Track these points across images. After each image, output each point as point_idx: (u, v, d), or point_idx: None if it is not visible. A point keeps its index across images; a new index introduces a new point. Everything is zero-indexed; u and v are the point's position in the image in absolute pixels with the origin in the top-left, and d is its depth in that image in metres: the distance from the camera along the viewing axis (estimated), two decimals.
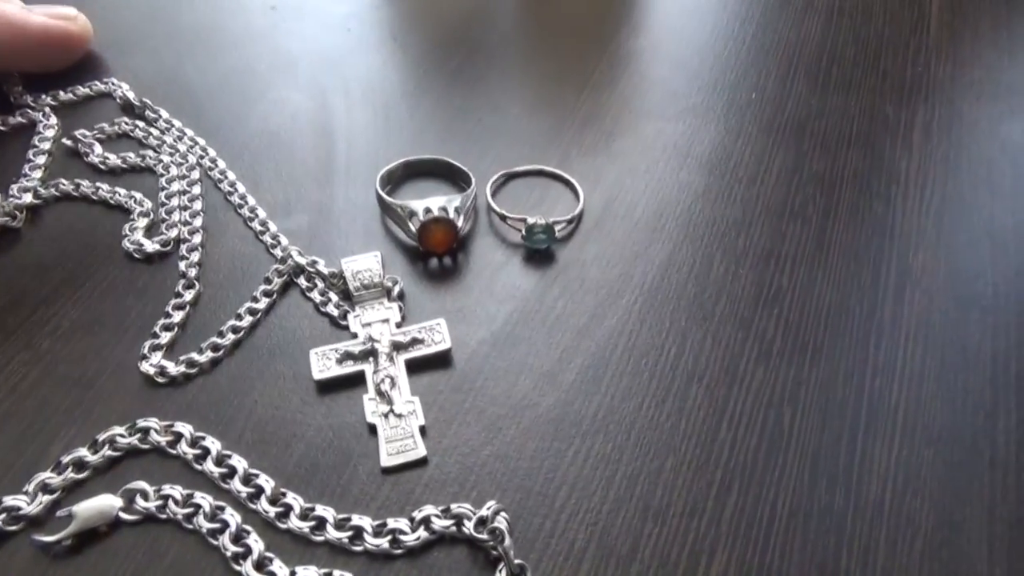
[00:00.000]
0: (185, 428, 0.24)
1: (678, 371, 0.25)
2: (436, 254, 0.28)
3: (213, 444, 0.23)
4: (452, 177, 0.31)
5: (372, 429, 0.24)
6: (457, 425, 0.24)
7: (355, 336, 0.26)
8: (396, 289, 0.27)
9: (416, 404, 0.24)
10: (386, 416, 0.24)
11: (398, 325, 0.26)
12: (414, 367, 0.25)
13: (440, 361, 0.26)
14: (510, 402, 0.25)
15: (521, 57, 0.38)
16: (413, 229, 0.28)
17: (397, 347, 0.25)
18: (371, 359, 0.25)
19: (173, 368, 0.25)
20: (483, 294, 0.28)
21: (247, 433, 0.24)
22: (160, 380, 0.25)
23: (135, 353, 0.25)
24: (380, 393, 0.24)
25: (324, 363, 0.25)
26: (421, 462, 0.23)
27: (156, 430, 0.24)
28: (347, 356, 0.25)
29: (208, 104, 0.35)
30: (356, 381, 0.25)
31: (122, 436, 0.23)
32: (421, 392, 0.25)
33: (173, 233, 0.29)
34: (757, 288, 0.28)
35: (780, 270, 0.28)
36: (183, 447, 0.23)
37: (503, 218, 0.29)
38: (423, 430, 0.24)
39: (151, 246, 0.28)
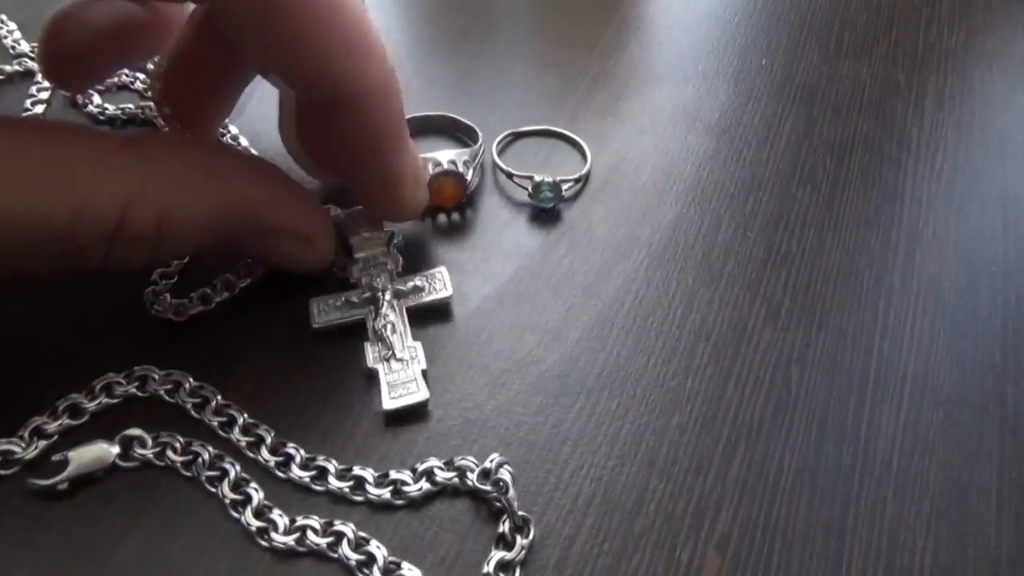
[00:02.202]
0: (185, 377, 0.23)
1: (685, 330, 0.25)
2: (444, 209, 0.28)
3: (213, 394, 0.23)
4: (458, 134, 0.31)
5: (373, 377, 0.23)
6: (460, 379, 0.24)
7: (355, 286, 0.25)
8: (397, 239, 0.26)
9: (418, 349, 0.24)
10: (387, 361, 0.24)
11: (398, 274, 0.26)
12: (416, 317, 0.25)
13: (442, 311, 0.25)
14: (514, 357, 0.24)
15: (529, 18, 0.37)
16: None
17: (398, 294, 0.25)
18: (371, 307, 0.25)
19: (172, 314, 0.24)
20: (488, 251, 0.27)
21: (246, 384, 0.23)
22: (159, 323, 0.24)
23: (134, 300, 0.25)
24: (381, 339, 0.24)
25: (323, 311, 0.25)
26: (423, 405, 0.23)
27: (154, 378, 0.23)
28: (347, 304, 0.25)
29: None
30: (356, 330, 0.24)
31: (119, 384, 0.23)
32: (424, 345, 0.24)
33: None
34: (766, 251, 0.27)
35: (789, 233, 0.28)
36: (182, 396, 0.23)
37: (509, 176, 0.29)
38: (425, 374, 0.23)
39: None
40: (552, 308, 0.26)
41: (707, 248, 0.27)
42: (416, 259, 0.27)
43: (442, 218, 0.28)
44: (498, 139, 0.30)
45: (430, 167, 0.27)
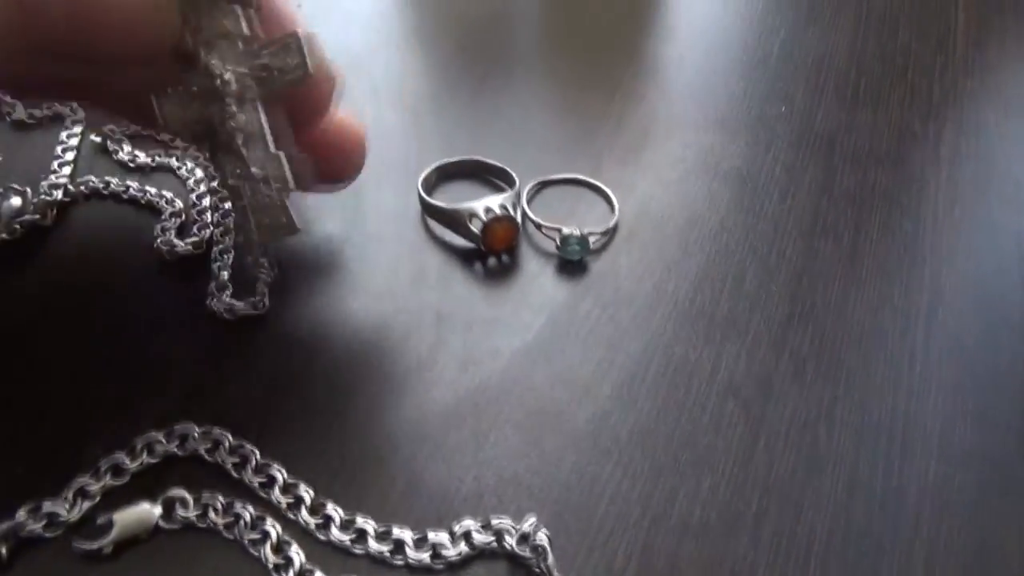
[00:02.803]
0: (224, 435, 0.23)
1: (714, 387, 0.25)
2: (496, 252, 0.29)
3: (252, 452, 0.23)
4: (490, 177, 0.31)
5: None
6: (494, 436, 0.24)
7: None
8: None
9: (281, 159, 0.20)
10: (245, 178, 0.19)
11: (245, 43, 0.20)
12: None
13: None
14: (546, 414, 0.25)
15: (549, 62, 0.37)
16: (476, 230, 0.28)
17: (243, 81, 0.20)
18: (218, 102, 0.20)
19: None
20: (518, 304, 0.28)
21: (283, 438, 0.24)
22: (196, 373, 0.25)
23: (168, 355, 0.25)
24: (230, 149, 0.20)
25: (171, 109, 0.20)
26: (291, 234, 0.20)
27: (194, 436, 0.23)
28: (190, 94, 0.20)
29: None
30: (384, 374, 0.25)
31: (160, 442, 0.23)
32: (453, 402, 0.25)
33: (205, 234, 0.28)
34: (790, 305, 0.28)
35: (813, 287, 0.28)
36: (222, 454, 0.23)
37: (538, 227, 0.29)
38: (287, 196, 0.20)
39: (183, 247, 0.28)
40: (582, 363, 0.26)
41: (733, 302, 0.28)
42: (450, 312, 0.27)
43: (492, 261, 0.29)
44: (527, 188, 0.31)
45: (482, 214, 0.28)
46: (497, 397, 0.25)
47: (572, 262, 0.29)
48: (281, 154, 0.20)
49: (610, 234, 0.30)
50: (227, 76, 0.19)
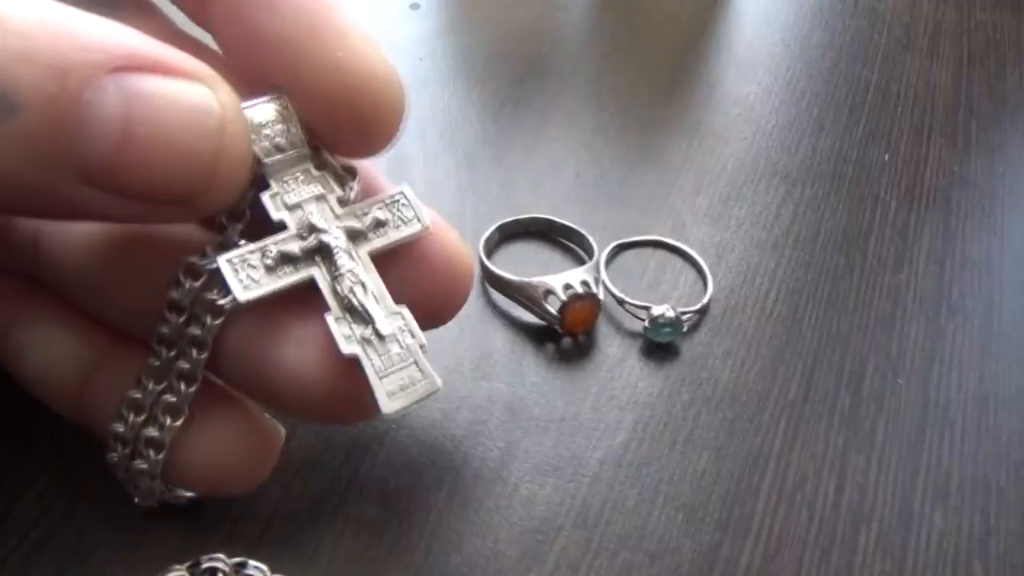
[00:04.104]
0: (259, 570, 0.19)
1: (841, 510, 0.21)
2: (573, 333, 0.25)
3: None
4: (561, 239, 0.27)
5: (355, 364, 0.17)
6: (584, 572, 0.20)
7: (282, 227, 0.17)
8: (333, 159, 0.18)
9: (405, 314, 0.17)
10: (368, 341, 0.17)
11: (341, 203, 0.18)
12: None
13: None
14: (645, 545, 0.21)
15: (616, 97, 0.33)
16: (553, 310, 0.24)
17: (354, 235, 0.17)
18: (319, 260, 0.17)
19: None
20: (601, 398, 0.23)
21: (333, 569, 0.20)
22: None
23: None
24: (350, 308, 0.17)
25: (248, 276, 0.17)
26: (433, 394, 0.17)
27: (224, 571, 0.19)
28: (280, 259, 0.17)
29: None
30: (463, 490, 0.21)
31: None
32: (532, 527, 0.21)
33: None
34: (922, 401, 0.24)
35: (946, 378, 0.24)
36: None
37: (621, 303, 0.25)
38: (424, 350, 0.17)
39: None
40: (681, 475, 0.22)
41: (854, 399, 0.24)
42: (518, 409, 0.23)
43: (566, 341, 0.25)
44: (605, 253, 0.26)
45: (561, 291, 0.23)
46: (584, 521, 0.21)
47: (660, 345, 0.25)
48: (403, 307, 0.17)
49: (703, 311, 0.26)
50: (340, 240, 0.17)
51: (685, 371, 0.24)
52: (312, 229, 0.17)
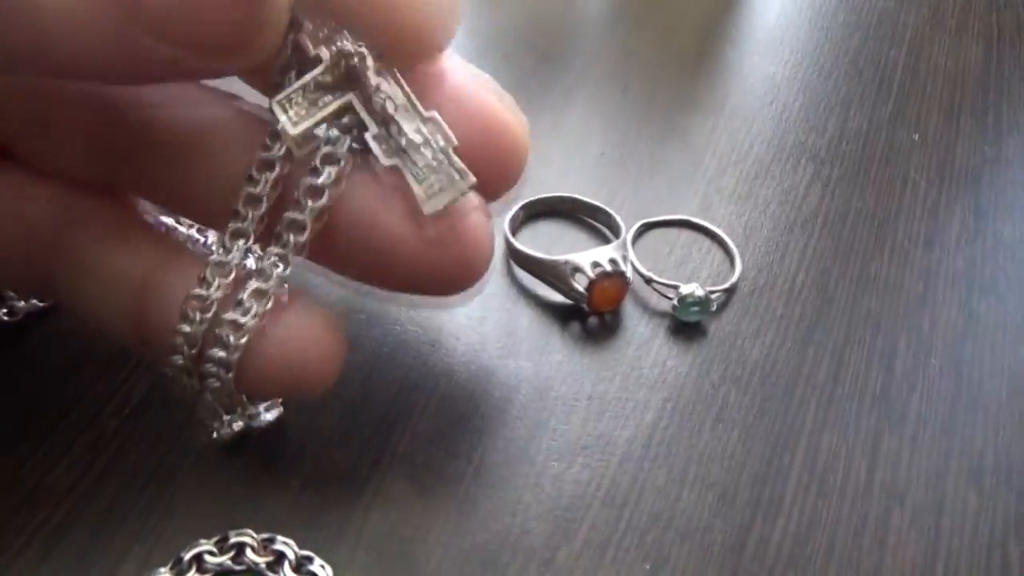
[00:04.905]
0: (287, 545, 0.19)
1: (873, 490, 0.21)
2: (600, 312, 0.24)
3: (323, 569, 0.19)
4: (586, 218, 0.27)
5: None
6: (613, 551, 0.20)
7: (319, 61, 0.18)
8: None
9: (436, 118, 0.18)
10: (403, 150, 0.18)
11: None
12: None
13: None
14: (676, 524, 0.20)
15: (643, 76, 0.33)
16: (580, 288, 0.24)
17: (379, 56, 0.18)
18: (353, 86, 0.18)
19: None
20: (629, 377, 0.23)
21: (359, 552, 0.20)
22: (250, 467, 0.21)
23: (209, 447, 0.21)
24: (385, 122, 0.18)
25: (295, 112, 0.18)
26: (469, 191, 0.18)
27: (252, 547, 0.19)
28: (322, 89, 0.18)
29: None
30: (498, 481, 0.20)
31: (211, 554, 0.19)
32: (561, 505, 0.20)
33: None
34: (955, 381, 0.23)
35: (979, 358, 0.24)
36: (286, 571, 0.19)
37: (648, 281, 0.25)
38: (458, 153, 0.18)
39: None
40: (712, 455, 0.22)
41: (886, 379, 0.23)
42: (544, 387, 0.23)
43: (593, 320, 0.24)
44: (631, 231, 0.26)
45: (589, 269, 0.23)
46: (613, 499, 0.21)
47: (688, 324, 0.24)
48: (435, 113, 0.18)
49: (731, 290, 0.25)
50: (369, 61, 0.18)
51: (714, 350, 0.24)
52: (342, 55, 0.18)
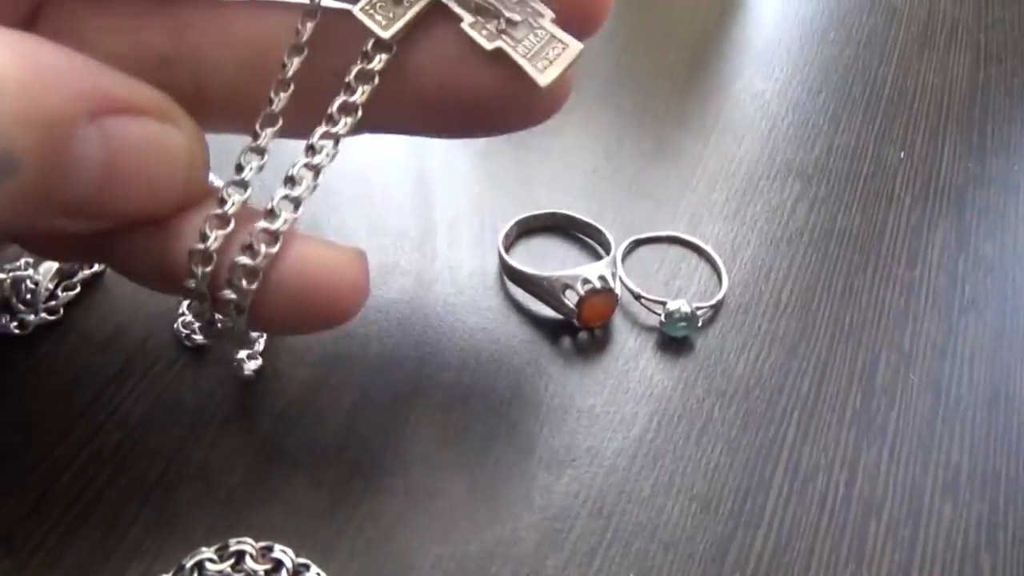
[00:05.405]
0: (285, 553, 0.20)
1: (852, 503, 0.22)
2: (590, 327, 0.25)
3: None
4: (578, 234, 0.28)
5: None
6: (600, 560, 0.21)
7: None
8: None
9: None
10: (504, 31, 0.18)
11: None
12: None
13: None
14: (660, 535, 0.21)
15: (635, 95, 0.34)
16: (570, 303, 0.24)
17: None
18: None
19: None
20: (617, 390, 0.24)
21: (355, 562, 0.20)
22: (248, 480, 0.21)
23: (209, 456, 0.22)
24: (479, 9, 0.18)
25: (382, 15, 0.18)
26: (579, 57, 0.19)
27: (252, 555, 0.20)
28: None
29: None
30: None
31: (212, 561, 0.20)
32: (550, 515, 0.21)
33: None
34: (934, 396, 0.24)
35: (957, 375, 0.25)
36: None
37: (637, 297, 0.25)
38: (555, 21, 0.18)
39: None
40: (695, 467, 0.22)
41: (866, 394, 0.24)
42: (544, 396, 0.24)
43: (583, 335, 0.25)
44: (621, 248, 0.27)
45: (579, 286, 0.24)
46: (600, 510, 0.21)
47: (675, 339, 0.25)
48: None
49: (718, 306, 0.26)
50: None
51: (700, 365, 0.25)
52: None
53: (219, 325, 0.19)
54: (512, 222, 0.27)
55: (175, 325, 0.24)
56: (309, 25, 0.18)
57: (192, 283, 0.18)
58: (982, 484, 0.22)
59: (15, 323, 0.24)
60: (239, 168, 0.18)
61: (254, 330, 0.20)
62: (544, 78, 0.18)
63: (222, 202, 0.18)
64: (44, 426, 0.22)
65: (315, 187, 0.18)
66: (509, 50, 0.18)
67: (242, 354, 0.23)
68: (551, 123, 0.32)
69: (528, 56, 0.18)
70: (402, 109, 0.19)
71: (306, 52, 0.18)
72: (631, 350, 0.25)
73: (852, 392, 0.24)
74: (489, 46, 0.18)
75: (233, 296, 0.18)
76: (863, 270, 0.27)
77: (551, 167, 0.30)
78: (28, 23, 0.18)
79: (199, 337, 0.24)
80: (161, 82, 0.18)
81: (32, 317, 0.24)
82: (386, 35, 0.18)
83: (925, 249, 0.28)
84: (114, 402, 0.22)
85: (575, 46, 0.18)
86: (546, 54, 0.18)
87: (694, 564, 0.21)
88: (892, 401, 0.24)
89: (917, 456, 0.23)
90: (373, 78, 0.18)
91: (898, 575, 0.20)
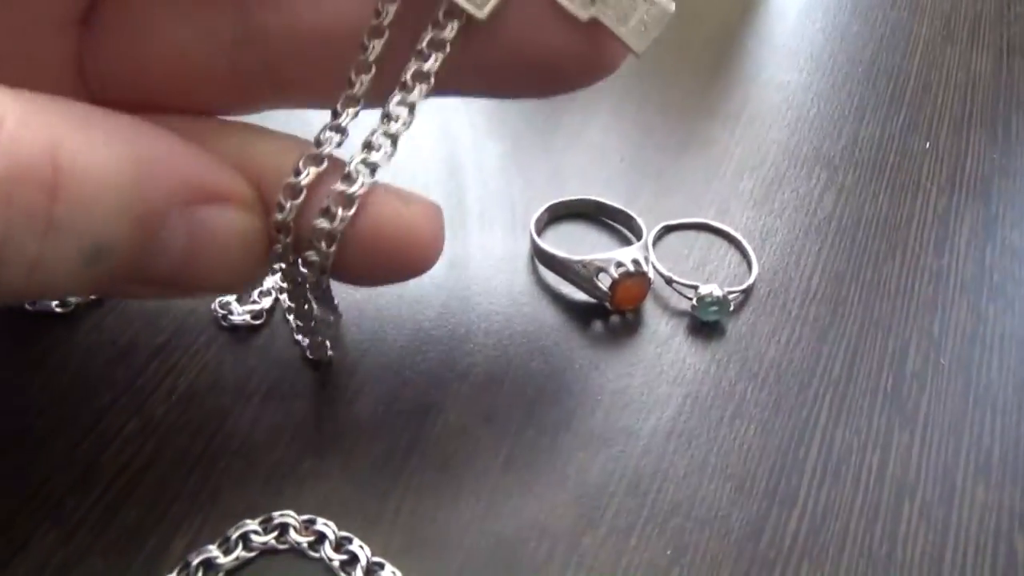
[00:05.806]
0: (328, 527, 0.20)
1: (885, 484, 0.22)
2: (622, 311, 0.25)
3: (361, 549, 0.20)
4: (608, 220, 0.28)
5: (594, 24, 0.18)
6: (636, 538, 0.21)
7: None
8: None
9: None
10: (594, 1, 0.18)
11: None
12: None
13: None
14: (695, 512, 0.21)
15: (661, 87, 0.34)
16: (604, 287, 0.25)
17: None
18: None
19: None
20: (651, 374, 0.24)
21: (396, 535, 0.21)
22: (298, 451, 0.22)
23: (253, 433, 0.22)
24: None
25: None
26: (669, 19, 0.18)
27: (295, 527, 0.20)
28: None
29: None
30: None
31: (256, 533, 0.20)
32: (586, 493, 0.21)
33: (267, 303, 0.25)
34: (964, 381, 0.24)
35: (987, 360, 0.25)
36: (326, 550, 0.20)
37: (669, 282, 0.26)
38: None
39: (239, 316, 0.25)
40: (729, 448, 0.23)
41: (897, 379, 0.24)
42: (570, 380, 0.24)
43: (615, 319, 0.25)
44: (652, 233, 0.27)
45: (612, 269, 0.24)
46: (636, 488, 0.22)
47: (707, 324, 0.25)
48: None
49: (748, 291, 0.26)
50: None
51: (731, 349, 0.25)
52: None
53: (306, 284, 0.20)
54: (544, 207, 0.28)
55: (212, 305, 0.25)
56: (391, 8, 0.18)
57: (279, 248, 0.19)
58: (1014, 467, 0.22)
59: (56, 302, 0.24)
60: (318, 143, 0.19)
61: (339, 280, 0.21)
62: (640, 44, 0.18)
63: (297, 173, 0.18)
64: (89, 400, 0.22)
65: (392, 154, 0.19)
66: (602, 16, 0.18)
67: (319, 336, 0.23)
68: (580, 115, 0.32)
69: (621, 24, 0.18)
70: (477, 74, 0.19)
71: (387, 35, 0.18)
72: (663, 334, 0.25)
73: (883, 376, 0.24)
74: (584, 15, 0.18)
75: (316, 258, 0.19)
76: (891, 258, 0.27)
77: (580, 157, 0.31)
78: (90, 8, 0.18)
79: (235, 317, 0.25)
80: (233, 64, 0.18)
81: (73, 299, 0.24)
82: (482, 14, 0.18)
83: (952, 238, 0.28)
84: (158, 377, 0.23)
85: (667, 8, 0.18)
86: (638, 16, 0.18)
87: (730, 541, 0.21)
88: (923, 386, 0.24)
89: (949, 440, 0.23)
90: (445, 46, 0.18)
91: (932, 555, 0.21)
